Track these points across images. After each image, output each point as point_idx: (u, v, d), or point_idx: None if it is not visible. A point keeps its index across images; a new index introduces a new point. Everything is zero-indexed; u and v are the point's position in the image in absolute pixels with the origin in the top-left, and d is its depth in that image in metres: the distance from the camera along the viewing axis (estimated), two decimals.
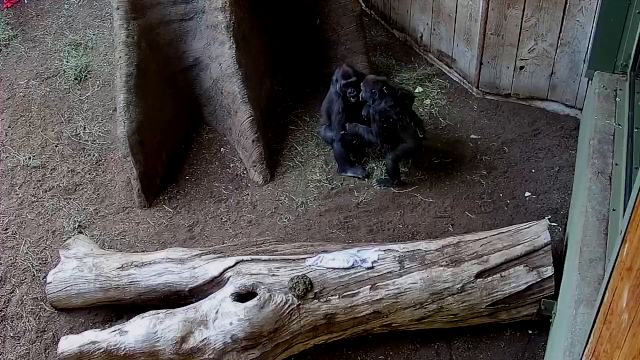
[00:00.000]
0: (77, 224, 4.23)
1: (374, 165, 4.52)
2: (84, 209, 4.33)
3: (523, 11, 4.36)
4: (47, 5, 5.85)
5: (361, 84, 4.23)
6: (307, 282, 3.38)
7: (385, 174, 4.40)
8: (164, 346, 3.33)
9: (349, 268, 3.45)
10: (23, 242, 4.13)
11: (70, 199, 4.39)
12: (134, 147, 4.25)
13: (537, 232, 3.50)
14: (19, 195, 4.40)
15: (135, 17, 4.38)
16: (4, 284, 3.92)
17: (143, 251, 3.99)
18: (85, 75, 5.18)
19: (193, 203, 4.36)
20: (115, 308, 3.75)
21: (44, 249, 4.10)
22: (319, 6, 4.85)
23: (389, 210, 4.24)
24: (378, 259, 3.48)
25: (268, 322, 3.31)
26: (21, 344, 3.65)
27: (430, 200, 4.28)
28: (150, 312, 3.43)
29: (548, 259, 3.42)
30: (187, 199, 4.38)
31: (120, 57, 4.32)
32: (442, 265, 3.45)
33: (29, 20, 5.70)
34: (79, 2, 5.88)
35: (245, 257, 3.54)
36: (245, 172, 4.53)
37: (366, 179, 4.42)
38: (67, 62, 5.27)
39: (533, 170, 4.41)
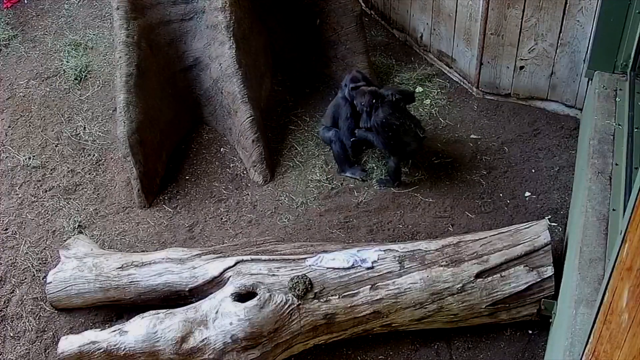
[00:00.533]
0: (77, 224, 4.23)
1: (373, 165, 4.52)
2: (84, 209, 4.33)
3: (523, 11, 4.36)
4: (47, 5, 5.85)
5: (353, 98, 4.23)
6: (307, 282, 3.38)
7: (386, 175, 4.40)
8: (164, 346, 3.33)
9: (349, 268, 3.45)
10: (23, 242, 4.13)
11: (70, 199, 4.39)
12: (134, 147, 4.25)
13: (537, 232, 3.50)
14: (19, 195, 4.40)
15: (135, 17, 4.38)
16: (4, 284, 3.92)
17: (143, 251, 3.99)
18: (85, 75, 5.18)
19: (193, 203, 4.36)
20: (115, 308, 3.75)
21: (44, 249, 4.10)
22: (319, 6, 4.85)
23: (389, 210, 4.24)
24: (378, 259, 3.48)
25: (268, 322, 3.31)
26: (21, 344, 3.65)
27: (430, 200, 4.28)
28: (150, 312, 3.43)
29: (548, 259, 3.42)
30: (187, 199, 4.38)
31: (120, 57, 4.32)
32: (442, 265, 3.45)
33: (29, 20, 5.70)
34: (79, 2, 5.88)
35: (245, 257, 3.54)
36: (245, 172, 4.53)
37: (366, 180, 4.41)
38: (67, 62, 5.27)
39: (533, 170, 4.40)
